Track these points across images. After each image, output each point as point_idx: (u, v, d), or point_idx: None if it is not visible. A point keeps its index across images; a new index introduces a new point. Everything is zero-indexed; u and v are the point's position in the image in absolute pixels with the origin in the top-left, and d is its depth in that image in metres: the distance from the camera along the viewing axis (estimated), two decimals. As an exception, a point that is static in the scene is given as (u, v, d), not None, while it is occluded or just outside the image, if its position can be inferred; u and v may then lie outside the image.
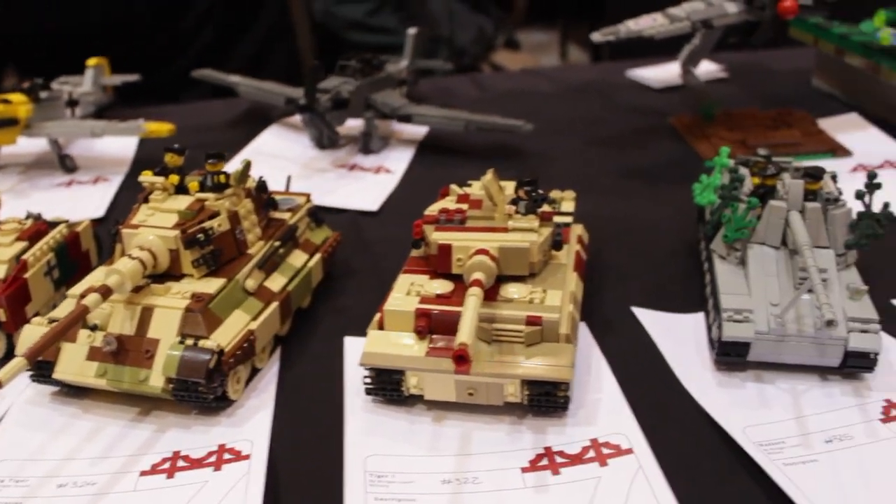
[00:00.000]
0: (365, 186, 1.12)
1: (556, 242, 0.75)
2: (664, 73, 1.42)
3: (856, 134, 1.20)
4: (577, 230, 0.85)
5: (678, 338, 0.78)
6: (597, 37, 1.12)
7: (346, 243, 0.95)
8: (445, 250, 0.73)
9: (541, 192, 0.75)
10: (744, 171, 0.84)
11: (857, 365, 0.71)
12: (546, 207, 0.76)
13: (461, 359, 0.59)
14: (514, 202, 0.75)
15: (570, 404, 0.70)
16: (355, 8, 2.71)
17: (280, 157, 1.22)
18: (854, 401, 0.70)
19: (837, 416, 0.68)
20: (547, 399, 0.68)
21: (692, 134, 1.19)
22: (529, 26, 4.38)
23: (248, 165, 0.80)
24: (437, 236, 0.74)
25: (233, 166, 0.80)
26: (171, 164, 0.80)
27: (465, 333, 0.60)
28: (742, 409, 0.69)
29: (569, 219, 0.83)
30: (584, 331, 0.79)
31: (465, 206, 0.77)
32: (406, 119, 1.20)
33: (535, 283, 0.72)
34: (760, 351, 0.71)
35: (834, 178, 0.83)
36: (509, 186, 0.79)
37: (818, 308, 0.65)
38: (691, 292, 0.83)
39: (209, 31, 1.95)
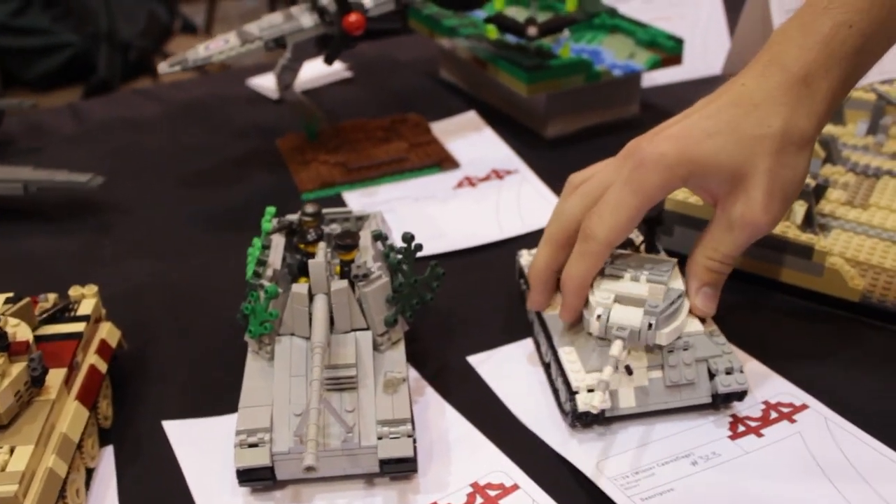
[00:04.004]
0: None
1: (36, 379, 0.61)
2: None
3: (469, 138, 1.13)
4: (103, 332, 0.72)
5: (210, 452, 0.66)
6: (164, 68, 0.99)
7: None
8: None
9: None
10: (278, 241, 0.73)
11: (397, 470, 0.62)
12: (23, 334, 0.62)
13: None
14: (-23, 339, 0.60)
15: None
16: (-5, 9, 2.39)
17: None
18: (397, 511, 0.61)
19: (374, 537, 0.60)
20: None
21: (294, 160, 1.08)
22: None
23: None
24: None
25: None
26: None
27: None
28: (266, 550, 0.59)
29: (81, 326, 0.69)
30: (106, 459, 0.67)
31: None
32: (-50, 185, 1.01)
33: (4, 439, 0.59)
34: (288, 470, 0.62)
35: (379, 237, 0.74)
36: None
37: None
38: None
39: None
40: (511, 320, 0.80)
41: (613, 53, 1.17)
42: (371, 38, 1.47)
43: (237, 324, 0.75)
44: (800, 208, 0.85)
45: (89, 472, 0.65)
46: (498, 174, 1.04)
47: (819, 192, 0.88)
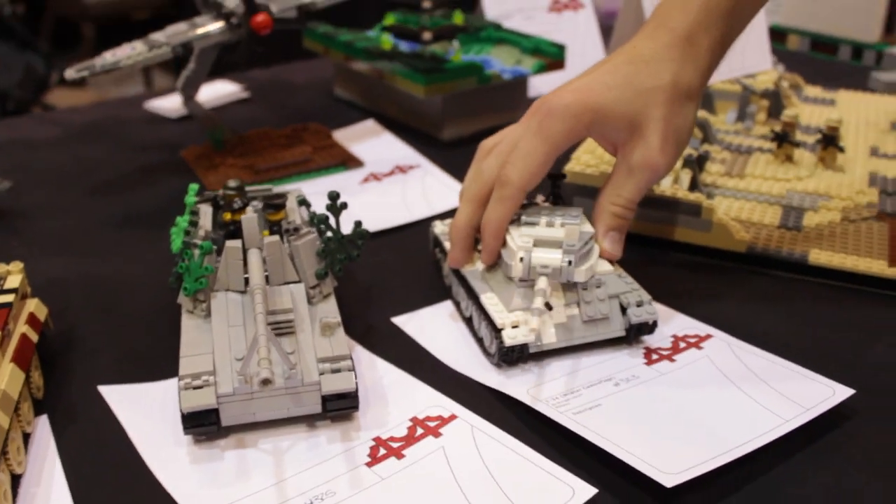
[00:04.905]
0: None
1: (-28, 336, 0.62)
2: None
3: (370, 142, 1.18)
4: (31, 306, 0.72)
5: (149, 412, 0.67)
6: (71, 73, 1.00)
7: None
8: None
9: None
10: (206, 209, 0.76)
11: (339, 407, 0.64)
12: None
13: None
14: None
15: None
16: None
17: None
18: (341, 447, 0.63)
19: (322, 469, 0.61)
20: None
21: (201, 165, 1.09)
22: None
23: None
24: None
25: None
26: None
27: None
28: (217, 488, 0.60)
29: (10, 297, 0.69)
30: (41, 427, 0.66)
31: None
32: None
33: (-57, 394, 0.58)
34: (233, 413, 0.63)
35: (304, 202, 0.77)
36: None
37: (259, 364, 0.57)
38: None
39: None
40: (428, 287, 0.84)
41: (501, 61, 1.24)
42: (264, 65, 1.51)
43: (164, 301, 0.77)
44: (685, 176, 0.92)
45: (25, 438, 0.65)
46: (401, 169, 1.09)
47: (701, 161, 0.96)
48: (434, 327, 0.78)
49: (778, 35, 1.67)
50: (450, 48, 1.23)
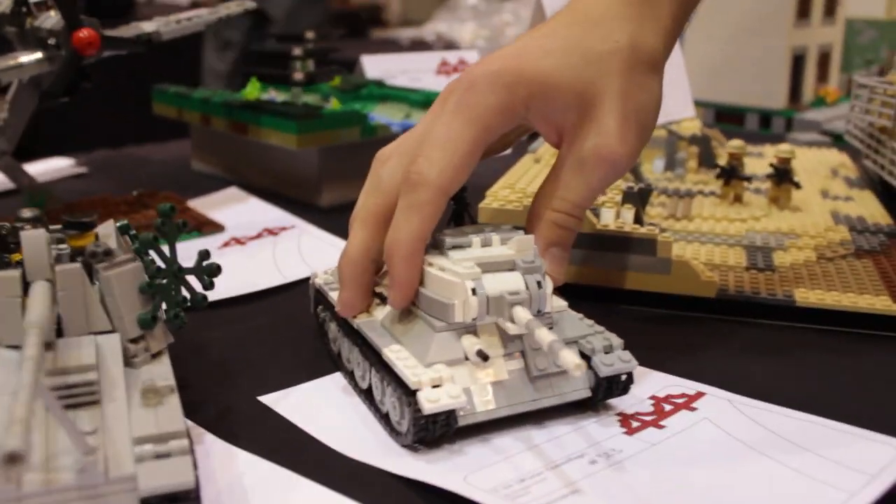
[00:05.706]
0: None
1: None
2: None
3: (233, 207, 0.96)
4: None
5: None
6: None
7: None
8: None
9: None
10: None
11: (168, 512, 0.41)
12: None
13: None
14: None
15: None
16: None
17: None
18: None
19: None
20: None
21: (12, 234, 0.85)
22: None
23: None
24: None
25: None
26: None
27: None
28: None
29: None
30: None
31: None
32: None
33: None
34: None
35: (127, 230, 0.54)
36: None
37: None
38: None
39: None
40: (310, 358, 0.62)
41: (388, 116, 1.05)
42: (112, 146, 1.29)
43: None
44: (628, 213, 0.74)
45: None
46: (271, 231, 0.87)
47: (643, 196, 0.78)
48: (319, 406, 0.55)
49: (680, 109, 1.55)
50: (325, 103, 1.04)
